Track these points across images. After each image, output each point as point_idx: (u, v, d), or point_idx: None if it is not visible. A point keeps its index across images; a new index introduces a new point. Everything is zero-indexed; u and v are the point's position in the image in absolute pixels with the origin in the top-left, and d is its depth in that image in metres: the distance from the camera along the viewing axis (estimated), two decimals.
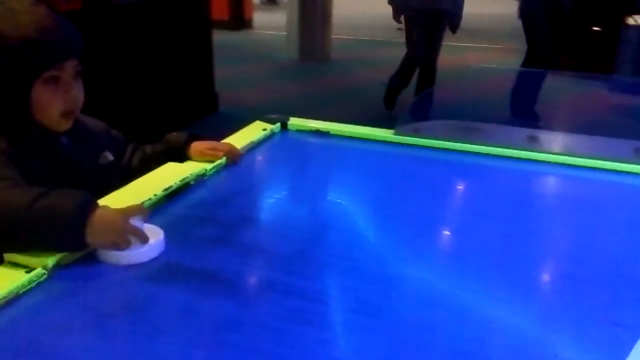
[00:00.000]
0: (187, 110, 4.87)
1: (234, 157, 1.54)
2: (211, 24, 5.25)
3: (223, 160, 1.54)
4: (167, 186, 1.35)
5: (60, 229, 1.00)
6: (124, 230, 1.04)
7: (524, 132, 1.66)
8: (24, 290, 0.98)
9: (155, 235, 1.10)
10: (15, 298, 0.96)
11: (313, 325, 0.94)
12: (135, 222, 1.07)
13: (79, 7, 3.84)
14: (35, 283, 1.00)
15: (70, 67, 1.21)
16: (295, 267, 1.11)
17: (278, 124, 1.83)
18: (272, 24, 10.06)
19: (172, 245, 1.12)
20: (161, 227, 1.19)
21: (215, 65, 5.31)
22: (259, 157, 1.66)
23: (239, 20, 9.69)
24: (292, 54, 7.60)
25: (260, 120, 1.85)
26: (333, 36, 7.79)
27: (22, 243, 1.01)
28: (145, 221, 1.11)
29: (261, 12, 10.95)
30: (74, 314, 0.95)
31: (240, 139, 1.67)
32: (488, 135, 1.69)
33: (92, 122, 1.44)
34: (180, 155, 1.51)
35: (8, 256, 1.04)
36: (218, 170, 1.51)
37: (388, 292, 1.03)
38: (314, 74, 7.06)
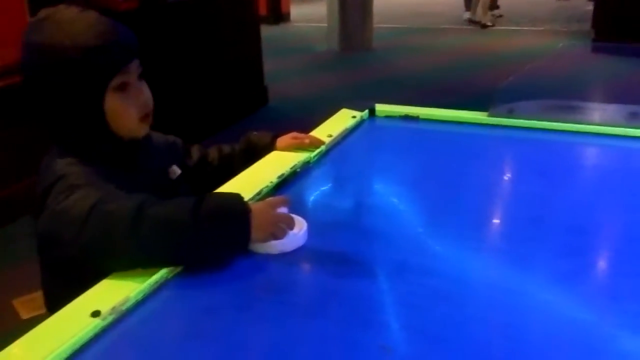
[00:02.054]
0: (239, 105, 4.92)
1: (317, 143, 1.54)
2: (258, 18, 5.28)
3: (323, 147, 1.56)
4: (279, 174, 1.38)
5: (232, 232, 1.01)
6: (278, 220, 1.06)
7: (625, 108, 1.63)
8: (171, 275, 1.01)
9: (300, 223, 1.12)
10: (164, 283, 0.99)
11: (458, 304, 0.95)
12: (284, 210, 1.10)
13: (136, 6, 3.91)
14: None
15: (134, 69, 1.15)
16: (423, 248, 1.12)
17: (366, 111, 1.83)
18: (309, 16, 10.07)
19: None
20: None
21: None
22: (354, 144, 1.67)
23: (277, 14, 9.72)
24: (333, 45, 7.59)
25: (347, 108, 1.86)
26: (373, 25, 7.76)
27: (187, 258, 1.00)
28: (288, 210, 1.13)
29: (297, 5, 10.95)
30: (222, 298, 0.98)
31: (331, 127, 1.69)
32: (587, 113, 1.67)
33: (153, 135, 1.36)
34: (264, 153, 1.49)
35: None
36: (320, 158, 1.53)
37: (522, 271, 1.04)
38: (357, 63, 7.05)
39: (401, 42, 8.20)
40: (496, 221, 1.32)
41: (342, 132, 1.68)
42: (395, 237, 1.18)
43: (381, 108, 1.85)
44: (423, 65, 6.78)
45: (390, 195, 1.40)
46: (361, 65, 6.98)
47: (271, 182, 1.34)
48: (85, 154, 1.13)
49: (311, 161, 1.50)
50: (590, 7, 8.00)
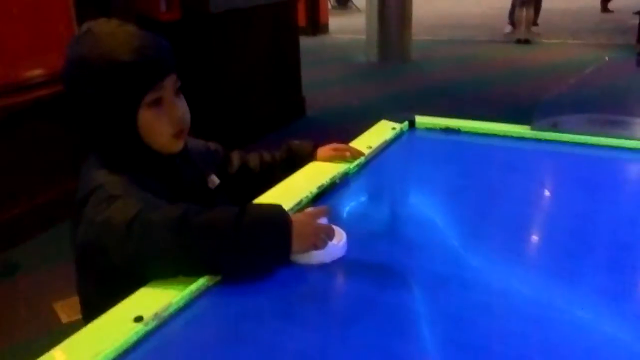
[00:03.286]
0: (277, 115, 4.96)
1: (358, 154, 1.54)
2: (298, 29, 5.33)
3: (362, 158, 1.55)
4: (319, 184, 1.38)
5: (273, 242, 1.02)
6: (319, 231, 1.06)
7: None
8: (212, 283, 1.02)
9: (339, 234, 1.12)
10: (206, 290, 1.00)
11: (498, 318, 0.93)
12: (324, 221, 1.10)
13: (179, 17, 3.99)
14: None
15: (170, 84, 1.13)
16: (464, 260, 1.11)
17: (406, 122, 1.83)
18: (347, 27, 10.11)
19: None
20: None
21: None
22: (394, 155, 1.67)
23: (316, 25, 9.78)
24: (372, 56, 7.61)
25: (387, 119, 1.85)
26: (412, 37, 7.74)
27: (230, 267, 1.01)
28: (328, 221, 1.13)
29: (335, 17, 11.00)
30: (263, 305, 0.98)
31: (371, 139, 1.69)
32: (632, 128, 1.63)
33: (194, 142, 1.36)
34: (305, 162, 1.49)
35: None
36: (359, 169, 1.53)
37: (563, 286, 1.02)
38: (396, 74, 7.03)
39: (440, 54, 8.16)
40: (538, 235, 1.30)
41: (381, 144, 1.67)
42: (434, 249, 1.17)
43: (421, 120, 1.85)
44: (463, 77, 6.72)
45: (430, 208, 1.39)
46: (400, 76, 6.96)
47: (311, 192, 1.34)
48: (121, 164, 1.13)
49: (350, 172, 1.50)
50: (635, 20, 7.82)
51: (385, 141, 1.70)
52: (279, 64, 5.02)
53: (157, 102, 1.11)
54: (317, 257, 1.06)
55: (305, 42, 6.72)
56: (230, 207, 1.04)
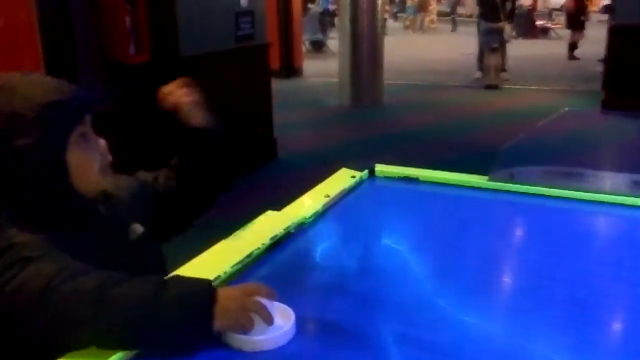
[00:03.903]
0: (249, 157, 4.94)
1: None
2: (270, 72, 5.37)
3: (320, 208, 1.54)
4: (272, 235, 1.36)
5: (193, 319, 0.93)
6: (248, 308, 0.95)
7: (630, 177, 1.61)
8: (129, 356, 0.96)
9: (285, 315, 0.98)
10: None
11: None
12: (263, 301, 0.97)
13: (148, 60, 4.00)
14: None
15: (88, 119, 1.14)
16: (421, 317, 1.09)
17: (366, 171, 1.82)
18: (320, 71, 10.25)
19: (288, 295, 1.11)
20: (270, 276, 1.19)
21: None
22: (352, 204, 1.65)
23: (290, 68, 9.90)
24: (344, 100, 7.70)
25: (347, 167, 1.85)
26: (383, 82, 7.87)
27: (147, 343, 0.93)
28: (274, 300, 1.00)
29: (309, 60, 11.16)
30: None
31: (329, 187, 1.68)
32: (589, 180, 1.64)
33: (125, 181, 1.32)
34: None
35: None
36: (316, 219, 1.51)
37: (521, 341, 1.00)
38: (367, 118, 7.12)
39: (411, 98, 8.31)
40: (494, 291, 1.28)
41: (340, 193, 1.66)
42: (392, 303, 1.14)
43: (381, 168, 1.84)
44: (432, 122, 6.84)
45: (387, 260, 1.37)
46: (371, 120, 7.04)
47: (263, 243, 1.32)
48: (40, 219, 1.06)
49: (307, 222, 1.48)
50: (600, 67, 8.08)
51: (344, 190, 1.69)
52: (251, 107, 5.04)
53: (84, 138, 1.12)
54: (253, 342, 0.94)
55: (279, 84, 6.79)
56: (153, 277, 0.99)
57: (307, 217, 1.49)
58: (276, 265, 1.29)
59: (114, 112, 3.98)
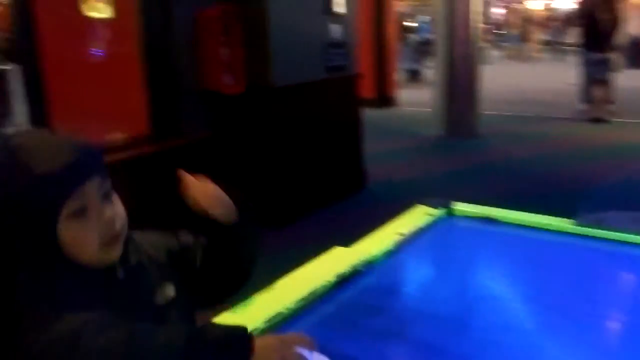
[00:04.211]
0: (336, 187, 4.97)
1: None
2: (361, 102, 5.40)
3: (391, 246, 1.51)
4: (337, 272, 1.35)
5: None
6: (285, 358, 0.92)
7: None
8: None
9: None
10: None
11: None
12: (302, 350, 0.94)
13: (243, 90, 4.14)
14: None
15: (92, 190, 0.99)
16: None
17: (443, 210, 1.77)
18: (415, 101, 10.17)
19: (344, 337, 1.09)
20: (330, 316, 1.18)
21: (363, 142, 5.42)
22: (426, 245, 1.61)
23: (384, 98, 9.91)
24: (438, 130, 7.58)
25: (424, 204, 1.80)
26: (480, 112, 7.68)
27: None
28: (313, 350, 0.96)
29: (404, 90, 11.13)
30: None
31: (404, 225, 1.65)
32: None
33: (150, 242, 1.17)
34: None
35: None
36: (387, 257, 1.49)
37: None
38: (461, 149, 6.95)
39: (509, 130, 8.03)
40: (571, 351, 1.19)
41: (414, 231, 1.63)
42: (446, 353, 1.09)
43: (459, 207, 1.79)
44: (528, 156, 6.56)
45: (454, 306, 1.32)
46: (464, 151, 6.88)
47: (329, 281, 1.31)
48: (49, 277, 0.99)
49: (377, 261, 1.46)
50: None
51: (419, 228, 1.65)
52: (341, 137, 5.08)
53: (81, 212, 0.97)
54: None
55: (372, 114, 6.81)
56: (184, 327, 0.96)
57: (377, 255, 1.47)
58: (338, 304, 1.28)
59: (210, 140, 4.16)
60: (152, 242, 1.18)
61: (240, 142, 4.27)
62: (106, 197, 1.02)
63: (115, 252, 1.03)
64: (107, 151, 3.69)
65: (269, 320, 1.16)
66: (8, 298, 0.98)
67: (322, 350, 1.07)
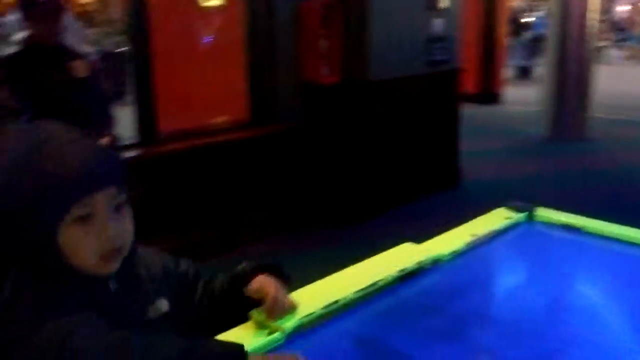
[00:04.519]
0: (429, 183, 4.91)
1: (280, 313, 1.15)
2: (459, 98, 5.28)
3: (461, 247, 1.49)
4: (401, 268, 1.35)
5: None
6: None
7: None
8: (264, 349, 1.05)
9: None
10: None
11: None
12: None
13: (338, 82, 4.18)
14: (273, 346, 1.08)
15: (104, 199, 0.98)
16: None
17: (524, 214, 1.72)
18: (523, 99, 9.77)
19: (398, 328, 1.09)
20: (387, 310, 1.19)
21: (460, 139, 5.30)
22: (500, 248, 1.57)
23: (490, 94, 9.61)
24: (543, 131, 7.26)
25: (506, 207, 1.76)
26: (591, 114, 7.26)
27: None
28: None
29: (511, 87, 10.71)
30: None
31: (480, 227, 1.61)
32: None
33: (150, 258, 1.18)
34: (244, 284, 1.18)
35: (255, 314, 1.13)
36: (455, 257, 1.47)
37: None
38: (566, 153, 6.62)
39: (623, 134, 7.53)
40: None
41: (488, 234, 1.59)
42: (503, 358, 1.07)
43: (541, 212, 1.72)
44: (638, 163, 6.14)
45: (514, 311, 1.28)
46: (569, 155, 6.55)
47: (391, 275, 1.32)
48: (43, 280, 0.99)
49: (443, 259, 1.45)
50: None
51: (494, 231, 1.61)
52: (437, 132, 5.00)
53: (86, 219, 0.97)
54: None
55: (476, 110, 6.62)
56: (181, 339, 0.94)
57: (445, 254, 1.45)
58: (398, 299, 1.29)
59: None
60: (152, 257, 1.18)
61: (333, 133, 4.32)
62: (117, 210, 1.01)
63: (112, 267, 1.02)
64: (208, 133, 3.88)
65: (326, 307, 1.18)
66: None
67: (373, 344, 1.09)
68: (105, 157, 1.01)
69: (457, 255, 1.48)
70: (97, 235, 0.98)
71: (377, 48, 4.21)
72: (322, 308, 1.18)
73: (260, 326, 1.12)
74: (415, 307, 1.26)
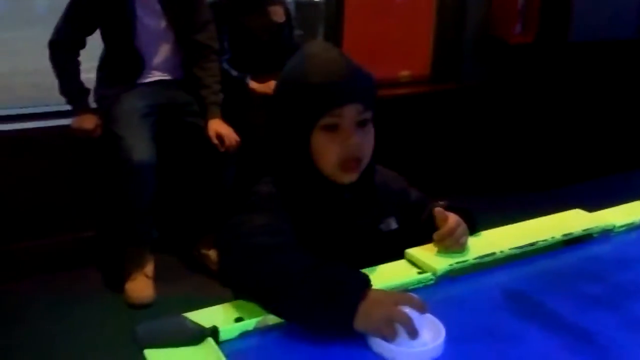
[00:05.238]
0: (626, 158, 4.51)
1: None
2: None
3: (637, 219, 1.39)
4: (566, 232, 1.31)
5: (334, 307, 0.91)
6: (392, 318, 0.89)
7: None
8: (412, 287, 1.11)
9: (436, 331, 0.92)
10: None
11: None
12: (411, 312, 0.90)
13: (530, 41, 3.94)
14: (422, 284, 1.12)
15: (350, 113, 1.11)
16: None
17: None
18: None
19: (550, 289, 1.07)
20: (548, 271, 1.16)
21: None
22: None
23: None
24: None
25: None
26: None
27: (287, 314, 0.96)
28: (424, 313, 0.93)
29: None
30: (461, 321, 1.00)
31: None
32: None
33: (389, 179, 1.32)
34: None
35: (409, 253, 1.18)
36: (629, 229, 1.38)
37: None
38: None
39: None
40: None
41: None
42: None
43: None
44: None
45: None
46: None
47: (553, 237, 1.28)
48: (289, 178, 1.17)
49: (614, 230, 1.37)
50: None
51: None
52: (635, 104, 4.53)
53: (332, 128, 1.11)
54: (393, 353, 0.88)
55: None
56: (317, 259, 0.98)
57: (617, 225, 1.37)
58: (558, 263, 1.25)
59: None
60: (391, 179, 1.32)
61: (519, 96, 4.12)
62: (361, 125, 1.13)
63: (351, 177, 1.15)
64: (389, 85, 3.92)
65: (480, 257, 1.20)
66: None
67: (525, 300, 1.08)
68: (358, 75, 1.13)
69: (632, 228, 1.39)
70: (340, 143, 1.12)
71: (581, 6, 3.88)
72: (476, 258, 1.20)
73: (413, 264, 1.17)
74: (576, 272, 1.22)
